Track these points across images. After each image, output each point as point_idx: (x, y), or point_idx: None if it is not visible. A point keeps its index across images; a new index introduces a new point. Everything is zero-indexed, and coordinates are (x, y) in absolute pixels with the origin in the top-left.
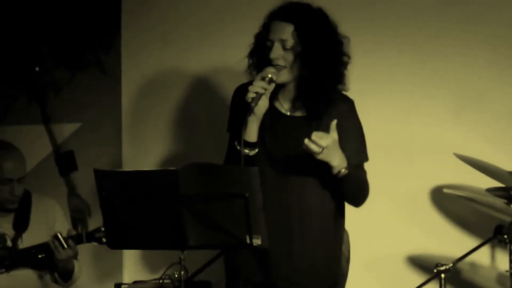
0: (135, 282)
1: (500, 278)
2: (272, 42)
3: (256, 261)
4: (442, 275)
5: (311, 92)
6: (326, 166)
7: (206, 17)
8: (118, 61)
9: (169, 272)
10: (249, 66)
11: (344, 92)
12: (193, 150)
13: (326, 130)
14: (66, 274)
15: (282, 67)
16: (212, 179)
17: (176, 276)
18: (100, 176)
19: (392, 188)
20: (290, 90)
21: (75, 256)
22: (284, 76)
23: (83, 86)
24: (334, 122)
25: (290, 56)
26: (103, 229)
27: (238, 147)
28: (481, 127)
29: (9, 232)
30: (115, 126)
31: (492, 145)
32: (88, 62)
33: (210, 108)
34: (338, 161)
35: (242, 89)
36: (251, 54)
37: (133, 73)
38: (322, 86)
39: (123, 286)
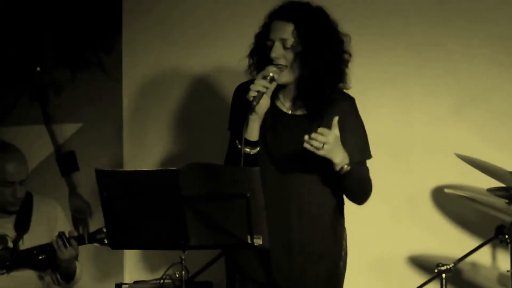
0: (135, 282)
1: (501, 278)
2: (273, 42)
3: (256, 260)
4: (443, 275)
5: (312, 91)
6: (328, 163)
7: (207, 17)
8: (119, 61)
9: (170, 272)
10: (250, 66)
11: (345, 91)
12: (193, 150)
13: (328, 128)
14: (68, 275)
15: (283, 66)
16: (213, 179)
17: (177, 276)
18: (101, 176)
19: (393, 188)
20: (291, 89)
21: (76, 257)
22: (286, 77)
23: (84, 86)
24: (336, 119)
25: (290, 55)
26: (104, 230)
27: (239, 146)
28: (482, 127)
29: (10, 233)
30: (116, 126)
31: (493, 145)
32: (89, 62)
33: (210, 108)
34: (340, 158)
35: (243, 88)
36: (252, 54)
37: (134, 73)
38: (322, 85)
39: (123, 286)
